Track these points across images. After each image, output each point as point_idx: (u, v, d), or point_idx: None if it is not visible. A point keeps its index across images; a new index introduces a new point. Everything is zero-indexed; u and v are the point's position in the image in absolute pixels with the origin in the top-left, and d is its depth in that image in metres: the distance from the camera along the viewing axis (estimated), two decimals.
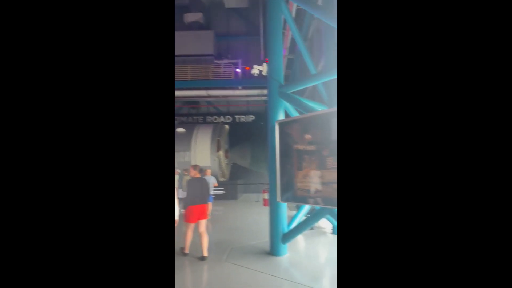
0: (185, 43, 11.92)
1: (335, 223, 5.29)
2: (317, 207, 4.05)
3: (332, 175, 3.30)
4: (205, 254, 3.77)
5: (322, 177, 3.42)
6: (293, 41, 8.59)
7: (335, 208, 3.55)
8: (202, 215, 3.84)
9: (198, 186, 3.85)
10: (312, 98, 6.02)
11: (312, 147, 3.55)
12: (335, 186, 3.27)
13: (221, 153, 11.22)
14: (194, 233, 3.92)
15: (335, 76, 3.53)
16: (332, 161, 3.37)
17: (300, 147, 3.68)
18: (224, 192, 10.69)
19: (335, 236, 5.23)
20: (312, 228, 5.62)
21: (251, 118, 13.24)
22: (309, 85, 4.15)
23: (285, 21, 6.65)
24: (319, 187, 3.45)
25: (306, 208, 4.58)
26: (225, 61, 12.49)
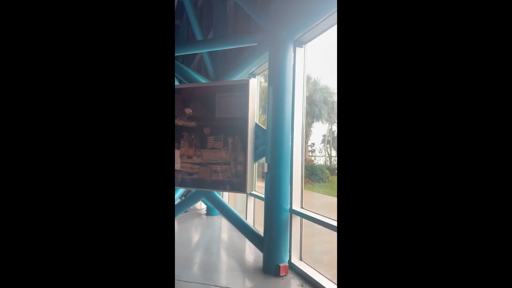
0: None
1: (210, 205, 5.19)
2: (193, 189, 3.74)
3: (212, 156, 3.04)
4: None
5: (201, 158, 3.09)
6: (179, 6, 7.68)
7: (211, 191, 3.34)
8: None
9: None
10: (198, 72, 5.53)
11: (192, 123, 3.15)
12: (214, 168, 3.03)
13: None
14: None
15: (223, 47, 3.22)
16: (213, 141, 3.10)
17: (179, 122, 3.20)
18: None
19: (209, 218, 5.15)
20: (187, 211, 5.31)
21: None
22: (195, 51, 3.67)
23: None
24: (197, 168, 3.11)
25: (181, 190, 4.18)
26: None
